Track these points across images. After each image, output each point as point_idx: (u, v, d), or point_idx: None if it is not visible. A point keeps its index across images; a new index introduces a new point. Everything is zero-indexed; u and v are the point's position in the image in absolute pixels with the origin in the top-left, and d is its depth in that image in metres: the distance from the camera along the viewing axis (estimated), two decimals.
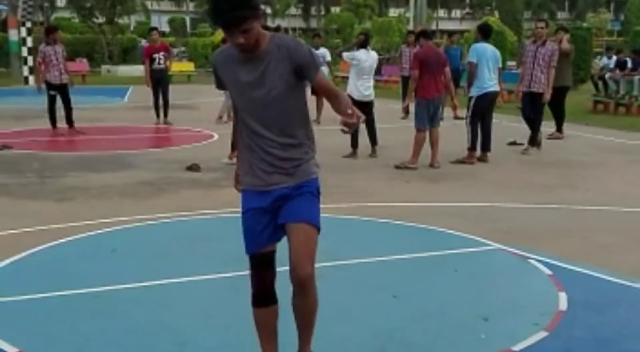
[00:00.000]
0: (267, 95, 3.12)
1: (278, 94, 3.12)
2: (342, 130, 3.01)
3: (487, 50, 10.43)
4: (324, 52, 15.02)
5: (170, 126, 14.48)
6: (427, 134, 9.99)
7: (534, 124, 11.36)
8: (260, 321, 3.32)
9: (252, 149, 3.24)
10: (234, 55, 3.13)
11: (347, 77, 11.24)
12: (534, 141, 11.38)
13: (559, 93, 12.30)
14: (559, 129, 13.06)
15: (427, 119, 9.95)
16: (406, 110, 14.53)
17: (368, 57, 10.80)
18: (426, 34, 10.58)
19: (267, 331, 3.33)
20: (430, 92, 9.87)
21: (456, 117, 15.69)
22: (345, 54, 11.03)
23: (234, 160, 9.80)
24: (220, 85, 3.31)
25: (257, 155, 3.22)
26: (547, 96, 11.12)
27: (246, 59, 3.11)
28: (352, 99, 10.49)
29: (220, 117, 14.61)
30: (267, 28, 12.36)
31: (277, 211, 3.24)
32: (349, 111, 2.94)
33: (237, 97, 3.24)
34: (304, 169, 3.24)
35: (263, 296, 3.27)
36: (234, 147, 9.96)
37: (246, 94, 3.17)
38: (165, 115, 14.72)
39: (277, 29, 16.06)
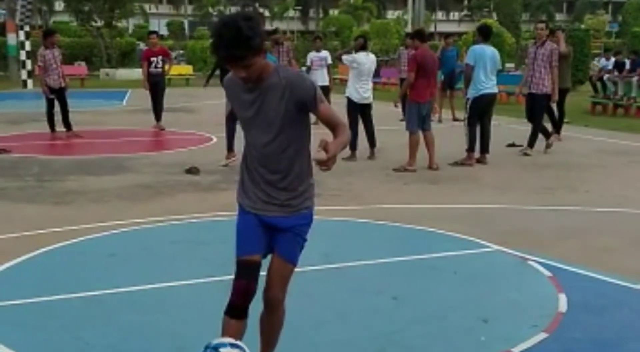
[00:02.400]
0: (266, 124, 3.14)
1: (277, 124, 3.13)
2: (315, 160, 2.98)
3: (486, 52, 10.43)
4: (325, 55, 15.03)
5: (162, 130, 14.41)
6: (421, 136, 9.99)
7: (534, 125, 11.41)
8: (229, 332, 3.28)
9: (250, 171, 3.28)
10: (241, 83, 3.15)
11: (345, 80, 11.24)
12: (532, 143, 11.39)
13: (559, 95, 12.33)
14: (558, 130, 13.06)
15: (419, 121, 9.94)
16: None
17: (367, 60, 10.81)
18: (422, 36, 10.36)
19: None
20: (422, 96, 9.86)
21: (455, 119, 15.72)
22: (344, 58, 11.04)
23: (231, 160, 9.84)
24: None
25: (254, 181, 3.27)
26: (555, 97, 11.28)
27: (250, 89, 3.13)
28: (352, 102, 10.70)
29: None
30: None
31: (268, 226, 3.29)
32: (330, 154, 2.90)
33: (240, 120, 3.29)
34: (298, 202, 3.27)
35: (240, 307, 3.25)
36: (230, 148, 9.98)
37: (248, 120, 3.21)
38: (158, 119, 14.65)
39: (275, 31, 16.02)
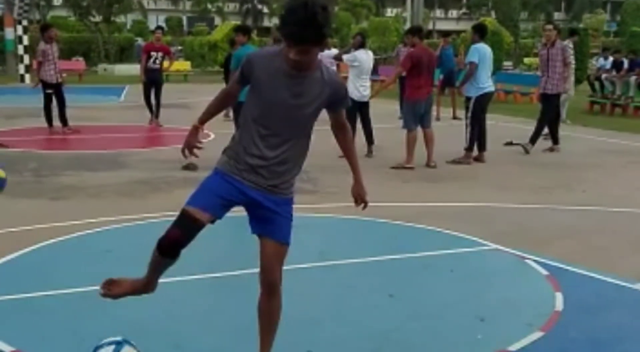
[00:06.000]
0: (296, 111, 3.21)
1: (305, 115, 3.24)
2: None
3: (486, 50, 10.45)
4: (334, 53, 15.01)
5: (160, 126, 14.38)
6: (420, 133, 9.97)
7: (539, 124, 11.48)
8: (158, 265, 3.45)
9: (249, 151, 3.28)
10: (281, 65, 3.15)
11: (345, 77, 11.22)
12: (534, 140, 11.41)
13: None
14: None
15: (416, 119, 9.92)
16: None
17: (367, 57, 10.83)
18: (419, 33, 10.31)
19: (158, 270, 3.52)
20: (418, 94, 9.84)
21: (455, 118, 15.72)
22: (345, 57, 11.02)
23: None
24: (244, 82, 3.33)
25: (250, 159, 3.28)
26: (568, 86, 11.40)
27: (291, 74, 3.16)
28: (352, 100, 10.60)
29: (227, 115, 14.53)
30: (247, 29, 12.04)
31: (242, 203, 3.35)
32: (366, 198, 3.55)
33: (263, 101, 3.23)
34: (284, 187, 3.35)
35: (171, 252, 3.32)
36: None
37: (276, 105, 3.20)
38: (156, 116, 14.63)
39: (278, 28, 15.97)
